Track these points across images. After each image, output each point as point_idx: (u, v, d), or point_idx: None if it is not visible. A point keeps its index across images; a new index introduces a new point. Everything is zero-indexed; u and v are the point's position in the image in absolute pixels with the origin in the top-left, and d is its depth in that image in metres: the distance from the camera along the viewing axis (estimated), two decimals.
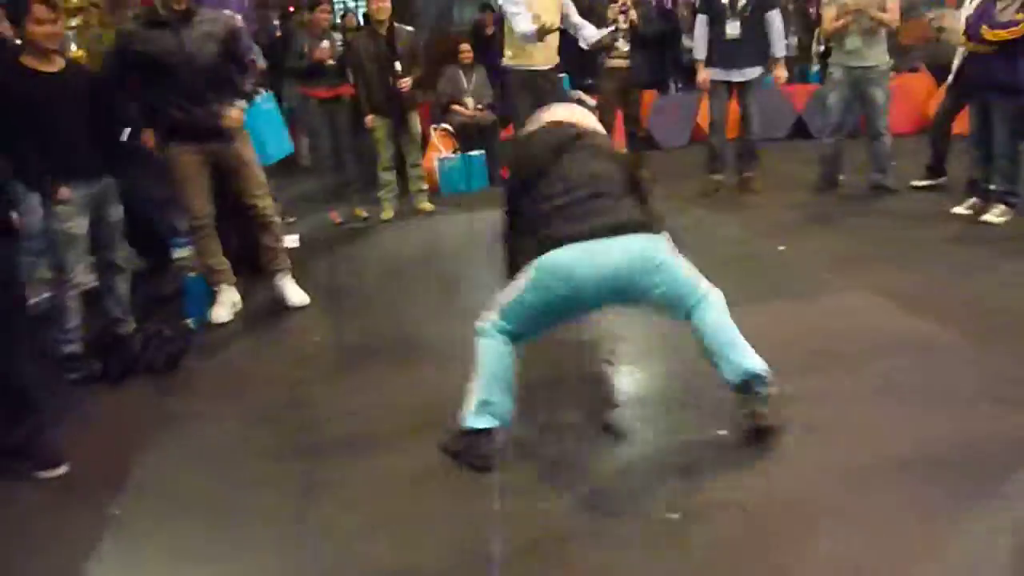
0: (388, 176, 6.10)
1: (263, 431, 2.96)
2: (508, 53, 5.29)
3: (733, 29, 5.65)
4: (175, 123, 3.82)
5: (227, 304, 4.07)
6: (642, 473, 2.50)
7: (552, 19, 5.03)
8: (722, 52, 5.71)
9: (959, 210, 5.09)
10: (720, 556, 2.06)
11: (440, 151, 6.81)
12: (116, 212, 3.87)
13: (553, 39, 5.13)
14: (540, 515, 2.27)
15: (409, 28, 6.01)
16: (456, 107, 7.02)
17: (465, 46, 7.07)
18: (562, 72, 5.37)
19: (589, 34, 5.22)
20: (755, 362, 2.49)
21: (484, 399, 2.53)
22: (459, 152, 6.87)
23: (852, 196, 5.74)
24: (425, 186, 6.28)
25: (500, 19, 5.97)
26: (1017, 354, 3.01)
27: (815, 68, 8.47)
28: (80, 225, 3.67)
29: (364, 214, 6.21)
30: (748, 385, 2.48)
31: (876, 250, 4.53)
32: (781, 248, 4.58)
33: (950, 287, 3.85)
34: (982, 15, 4.71)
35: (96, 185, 3.69)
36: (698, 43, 5.86)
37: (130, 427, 3.12)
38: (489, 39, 7.73)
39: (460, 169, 6.82)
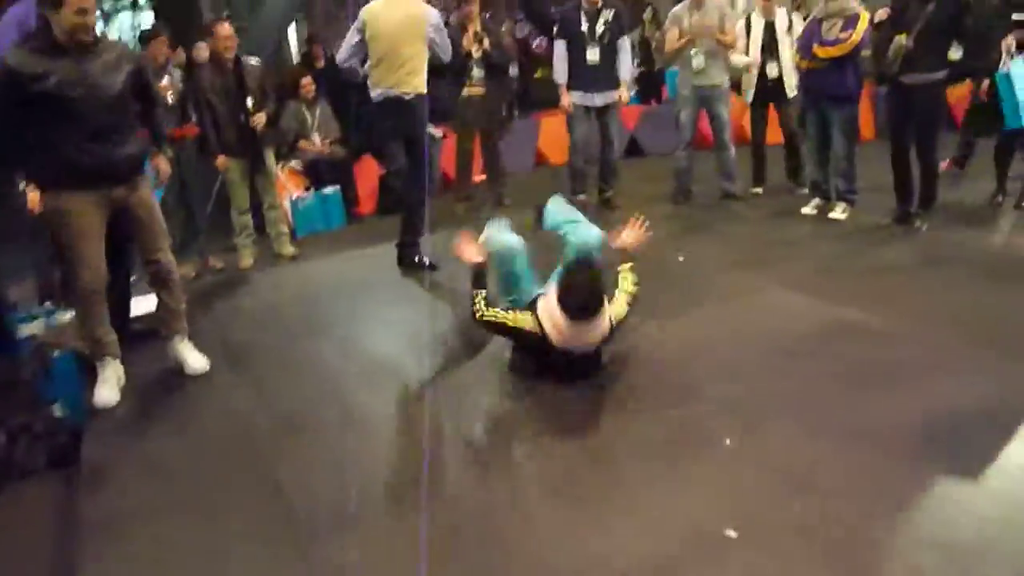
0: (245, 220, 5.60)
1: (227, 521, 2.52)
2: (371, 81, 4.97)
3: (593, 55, 5.86)
4: (71, 166, 3.23)
5: (113, 381, 3.46)
6: None
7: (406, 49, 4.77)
8: (584, 77, 5.88)
9: (807, 210, 5.63)
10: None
11: (291, 191, 6.37)
12: None
13: (417, 66, 4.88)
14: None
15: (254, 61, 5.59)
16: (304, 144, 6.62)
17: (307, 79, 6.70)
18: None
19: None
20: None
21: None
22: (310, 190, 6.47)
23: (707, 205, 6.15)
24: (286, 229, 5.84)
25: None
26: (946, 332, 3.34)
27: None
28: None
29: (220, 264, 5.64)
30: None
31: (762, 251, 4.88)
32: (680, 258, 4.76)
33: (847, 277, 4.21)
34: (811, 36, 5.27)
35: None
36: (558, 68, 6.00)
37: (51, 541, 2.53)
38: (319, 72, 7.39)
39: (316, 208, 6.42)
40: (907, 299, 3.81)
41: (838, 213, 5.43)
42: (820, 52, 5.16)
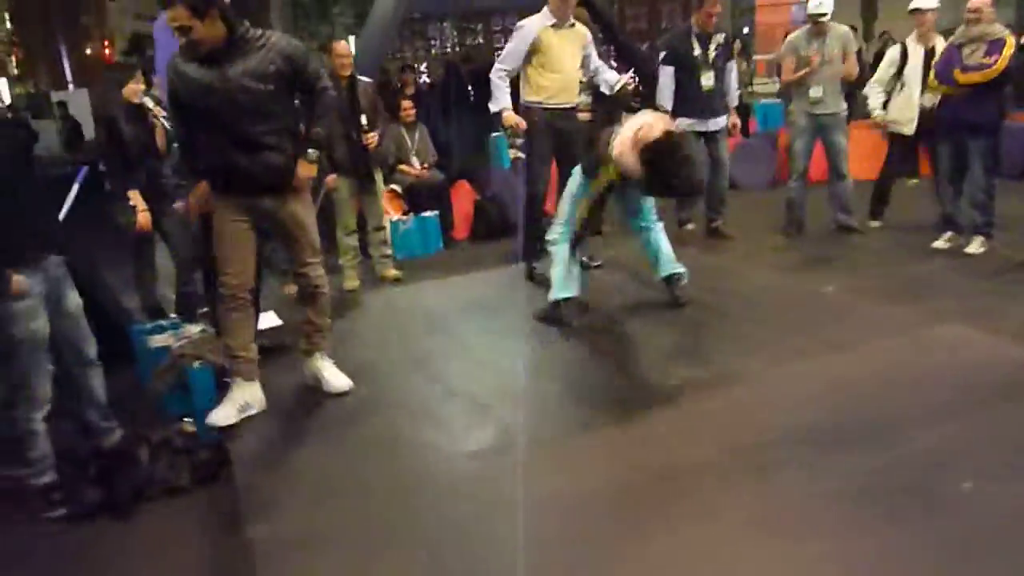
0: (351, 241, 5.49)
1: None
2: (528, 90, 4.93)
3: (708, 80, 5.68)
4: (216, 172, 3.21)
5: (237, 404, 3.26)
6: None
7: (570, 72, 4.87)
8: (697, 102, 5.70)
9: (939, 244, 5.33)
10: None
11: (390, 213, 6.26)
12: (75, 298, 3.12)
13: (573, 81, 4.89)
14: None
15: (367, 79, 5.53)
16: (403, 167, 6.54)
17: (407, 103, 6.64)
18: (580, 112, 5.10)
19: (611, 78, 4.98)
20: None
21: (564, 277, 4.15)
22: (408, 214, 6.35)
23: (821, 237, 5.88)
24: (389, 251, 5.71)
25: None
26: None
27: None
28: (44, 323, 2.91)
29: None
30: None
31: (906, 285, 4.59)
32: (829, 288, 4.50)
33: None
34: (949, 60, 5.03)
35: (49, 268, 2.95)
36: (665, 94, 5.82)
37: (208, 565, 2.35)
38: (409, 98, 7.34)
39: (416, 232, 6.30)
40: None
41: (975, 247, 5.12)
42: (962, 78, 4.91)
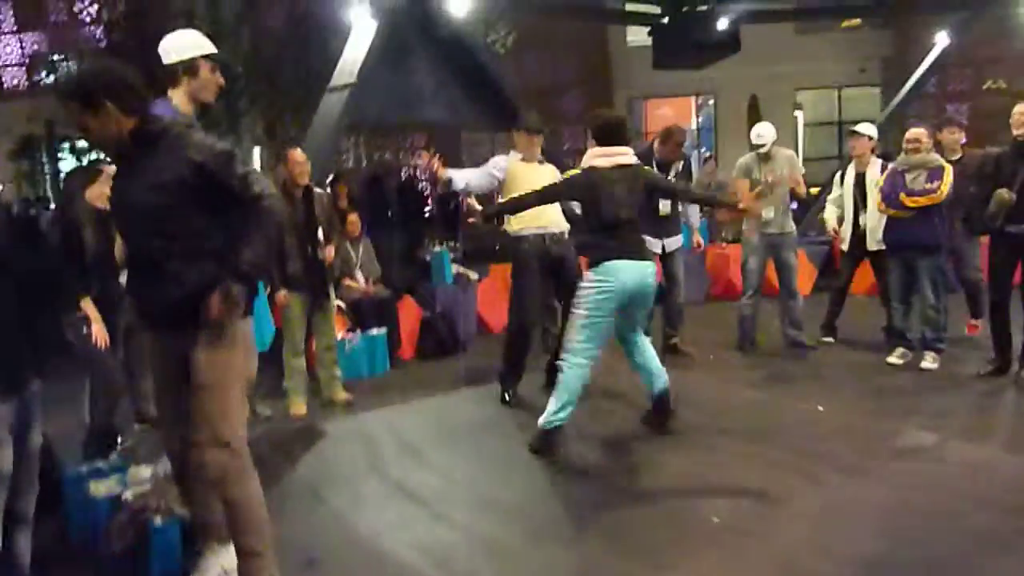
0: (300, 362, 5.03)
1: None
2: (512, 221, 4.87)
3: (665, 206, 5.81)
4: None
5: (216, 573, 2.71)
6: None
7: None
8: (654, 225, 5.73)
9: (894, 360, 5.46)
10: None
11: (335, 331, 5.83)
12: (38, 435, 2.60)
13: (552, 209, 4.81)
14: None
15: (320, 190, 5.25)
16: (349, 282, 6.17)
17: (353, 217, 6.35)
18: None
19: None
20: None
21: (562, 409, 3.91)
22: (354, 332, 5.94)
23: (777, 353, 5.92)
24: (339, 372, 5.26)
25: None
26: None
27: None
28: (7, 458, 2.41)
29: (267, 412, 4.96)
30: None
31: (888, 401, 4.64)
32: (820, 408, 4.43)
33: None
34: (894, 186, 5.30)
35: (24, 394, 2.47)
36: None
37: None
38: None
39: (363, 351, 5.88)
40: None
41: (928, 363, 5.27)
42: (909, 202, 5.17)
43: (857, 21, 15.57)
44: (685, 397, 4.58)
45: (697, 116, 19.32)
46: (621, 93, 17.61)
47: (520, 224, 4.82)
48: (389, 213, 9.56)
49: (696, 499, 3.34)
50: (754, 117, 16.49)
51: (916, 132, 5.28)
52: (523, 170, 4.88)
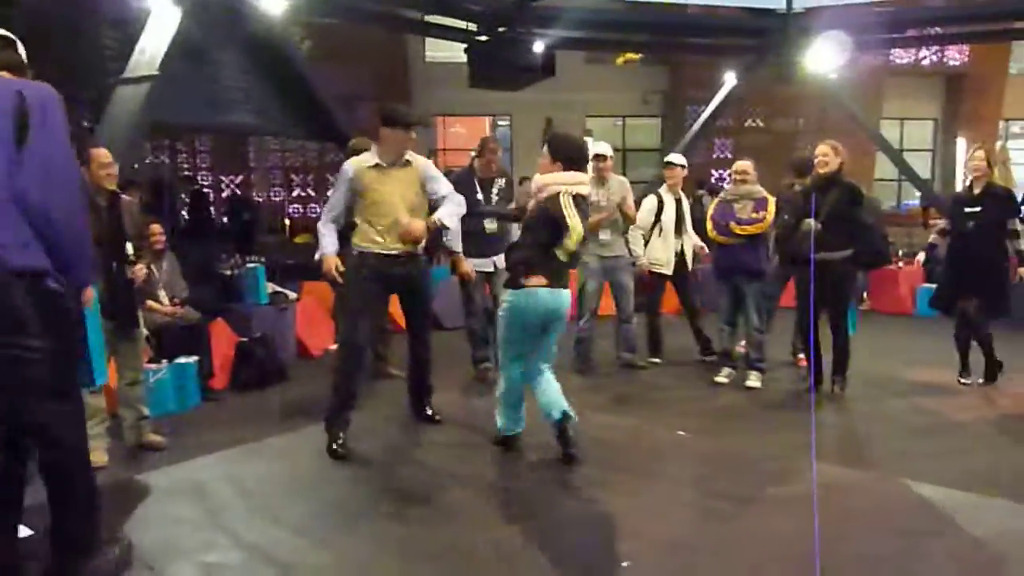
0: (99, 401, 4.19)
1: None
2: (356, 234, 4.34)
3: (492, 224, 5.71)
4: None
5: None
6: None
7: (405, 215, 4.29)
8: (481, 244, 5.59)
9: (720, 379, 5.75)
10: None
11: None
12: None
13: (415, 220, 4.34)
14: None
15: (127, 197, 4.46)
16: (152, 304, 5.30)
17: (157, 227, 5.49)
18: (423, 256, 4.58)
19: (439, 214, 4.51)
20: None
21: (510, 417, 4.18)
22: (161, 362, 5.11)
23: (611, 374, 6.01)
24: (147, 410, 4.48)
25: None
26: None
27: None
28: None
29: None
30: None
31: (734, 422, 4.83)
32: (681, 432, 4.46)
33: (865, 445, 4.31)
34: (724, 214, 5.60)
35: None
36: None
37: None
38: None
39: (170, 383, 5.06)
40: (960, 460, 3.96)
41: (753, 381, 5.61)
42: (739, 230, 5.48)
43: (636, 56, 16.71)
44: (532, 426, 4.47)
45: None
46: (418, 109, 17.40)
47: (362, 240, 4.33)
48: (181, 224, 8.58)
49: (600, 541, 3.16)
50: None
51: (744, 164, 5.63)
52: (374, 180, 4.29)
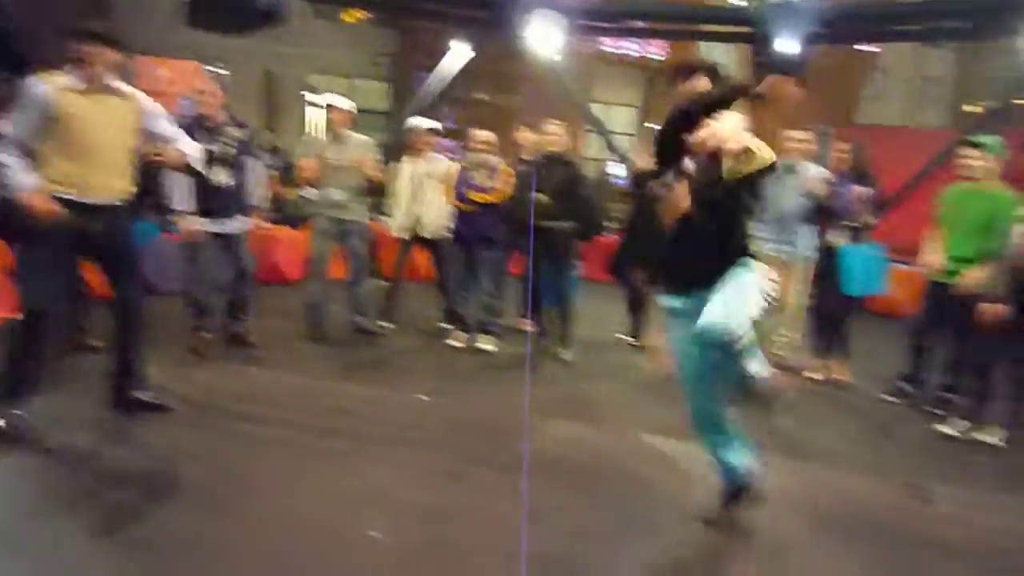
0: None
1: None
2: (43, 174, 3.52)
3: (221, 176, 5.14)
4: None
5: None
6: None
7: (109, 154, 3.65)
8: (212, 201, 5.07)
9: (453, 342, 5.87)
10: None
11: None
12: None
13: (115, 166, 3.69)
14: None
15: None
16: None
17: None
18: (133, 207, 3.87)
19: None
20: None
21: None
22: None
23: (345, 340, 5.82)
24: None
25: None
26: None
27: None
28: None
29: None
30: None
31: (467, 385, 4.94)
32: (422, 397, 4.42)
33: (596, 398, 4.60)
34: (462, 182, 5.66)
35: None
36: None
37: None
38: None
39: None
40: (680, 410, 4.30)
41: (487, 344, 5.78)
42: (476, 197, 5.58)
43: (364, 15, 16.24)
44: (275, 397, 4.20)
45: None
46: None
47: (53, 182, 3.53)
48: None
49: (346, 513, 3.03)
50: (269, 93, 16.09)
51: (487, 134, 5.73)
52: (74, 105, 3.54)
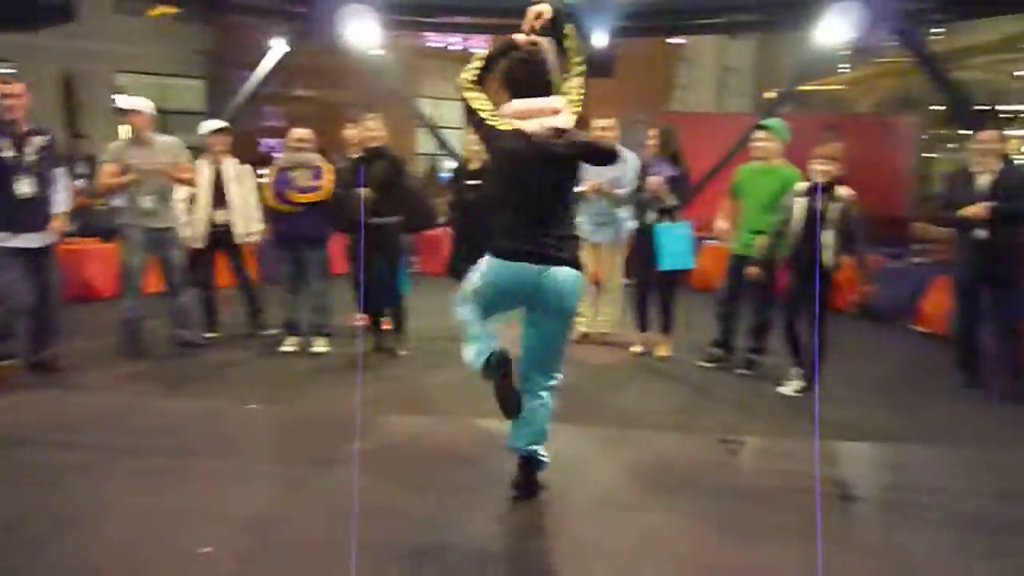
0: None
1: None
2: None
3: (26, 187, 4.77)
4: None
5: None
6: None
7: None
8: (12, 212, 4.67)
9: (287, 348, 5.75)
10: None
11: None
12: None
13: None
14: None
15: None
16: None
17: None
18: None
19: None
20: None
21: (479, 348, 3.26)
22: None
23: (166, 356, 5.54)
24: None
25: None
26: None
27: None
28: None
29: None
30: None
31: (300, 388, 4.85)
32: (252, 406, 4.26)
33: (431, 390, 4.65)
34: (282, 182, 5.51)
35: None
36: None
37: None
38: None
39: None
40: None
41: (321, 347, 5.69)
42: (299, 198, 5.45)
43: (171, 10, 15.29)
44: (89, 422, 3.94)
45: None
46: None
47: None
48: None
49: (177, 531, 2.89)
50: (68, 94, 14.77)
51: (302, 132, 5.61)
52: None
